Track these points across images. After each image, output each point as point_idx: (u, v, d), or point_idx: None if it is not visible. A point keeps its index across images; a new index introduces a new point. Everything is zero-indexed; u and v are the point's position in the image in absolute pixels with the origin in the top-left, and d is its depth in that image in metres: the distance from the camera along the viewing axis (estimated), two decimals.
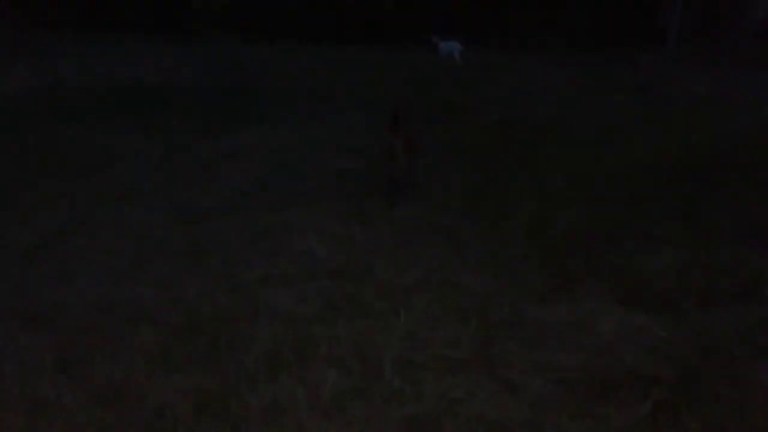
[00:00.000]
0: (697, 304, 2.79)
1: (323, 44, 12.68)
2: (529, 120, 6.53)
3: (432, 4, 13.90)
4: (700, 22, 13.92)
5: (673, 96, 7.82)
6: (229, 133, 5.83)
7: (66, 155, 5.09)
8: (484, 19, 13.68)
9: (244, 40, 13.01)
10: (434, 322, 2.66)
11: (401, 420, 2.06)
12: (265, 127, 6.11)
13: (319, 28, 13.86)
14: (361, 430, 2.02)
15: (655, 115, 6.69)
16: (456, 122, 6.38)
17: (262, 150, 5.29)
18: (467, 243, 3.47)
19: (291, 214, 3.80)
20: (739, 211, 3.82)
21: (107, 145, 5.41)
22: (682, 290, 2.91)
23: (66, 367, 2.30)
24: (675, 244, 3.42)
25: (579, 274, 3.08)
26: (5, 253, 3.31)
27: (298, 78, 9.17)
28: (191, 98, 7.32)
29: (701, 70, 9.82)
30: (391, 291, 2.91)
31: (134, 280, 2.97)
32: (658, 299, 2.83)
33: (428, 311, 2.75)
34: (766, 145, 4.86)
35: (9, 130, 5.99)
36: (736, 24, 16.22)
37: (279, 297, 2.83)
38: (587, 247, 3.38)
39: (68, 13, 14.93)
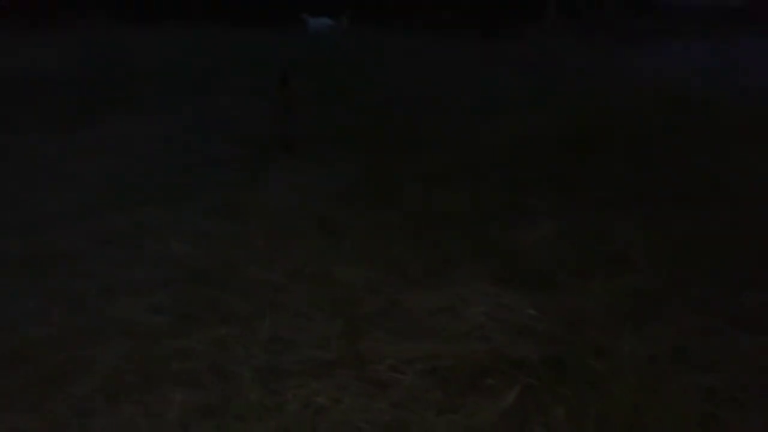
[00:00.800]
0: (570, 276, 2.77)
1: (208, 25, 12.01)
2: (413, 99, 6.42)
3: None
4: None
5: (552, 70, 8.01)
6: (88, 126, 5.29)
7: None
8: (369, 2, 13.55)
9: (120, 23, 12.07)
10: (303, 321, 2.47)
11: None
12: (131, 117, 5.62)
13: (203, 8, 13.20)
14: None
15: (536, 89, 6.80)
16: (338, 103, 6.16)
17: (124, 142, 4.84)
18: (343, 231, 3.29)
19: (147, 214, 3.44)
20: (612, 180, 3.89)
21: None
22: (556, 263, 2.88)
23: None
24: (550, 216, 3.41)
25: (455, 257, 2.98)
26: None
27: (174, 61, 8.56)
28: (48, 90, 6.58)
29: (579, 43, 10.16)
30: (257, 291, 2.68)
31: None
32: (532, 275, 2.78)
33: (297, 310, 2.54)
34: (632, 115, 5.02)
35: None
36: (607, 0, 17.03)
37: (127, 310, 2.52)
38: (465, 227, 3.30)
39: None
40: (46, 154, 4.54)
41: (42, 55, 9.02)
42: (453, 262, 2.94)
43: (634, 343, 2.19)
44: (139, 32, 11.13)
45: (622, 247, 3.07)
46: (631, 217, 3.37)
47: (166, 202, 3.68)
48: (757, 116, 5.08)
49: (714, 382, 1.97)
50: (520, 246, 3.12)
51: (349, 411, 1.96)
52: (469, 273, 2.84)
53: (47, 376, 2.10)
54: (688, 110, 5.15)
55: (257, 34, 10.98)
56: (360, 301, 2.59)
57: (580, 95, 6.18)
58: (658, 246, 3.02)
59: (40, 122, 5.33)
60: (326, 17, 11.32)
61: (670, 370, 2.05)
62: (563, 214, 3.45)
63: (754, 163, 3.97)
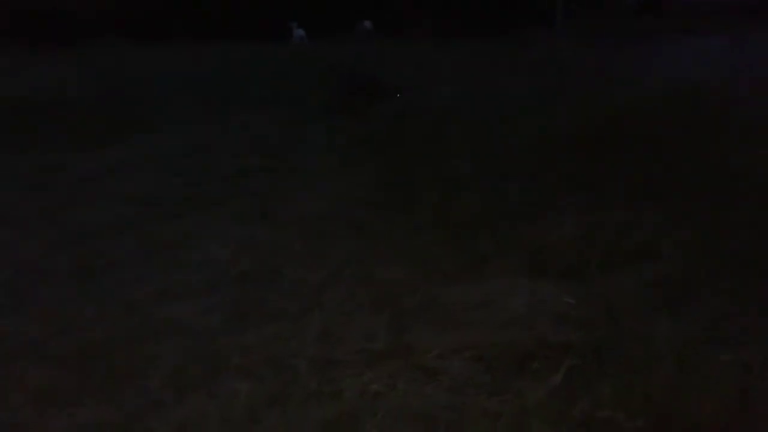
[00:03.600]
0: (600, 268, 2.87)
1: (212, 41, 12.25)
2: (429, 106, 6.57)
3: None
4: (578, 1, 14.66)
5: (562, 71, 8.14)
6: (112, 145, 5.45)
7: None
8: (378, 9, 13.87)
9: (133, 43, 12.33)
10: (348, 317, 2.59)
11: (320, 423, 1.97)
12: (151, 135, 5.79)
13: (205, 26, 13.53)
14: None
15: (546, 91, 6.92)
16: (357, 113, 6.31)
17: (150, 159, 5.01)
18: (376, 234, 3.41)
19: (187, 223, 3.59)
20: (630, 175, 4.00)
21: None
22: (585, 256, 2.98)
23: None
24: (574, 212, 3.52)
25: (487, 253, 3.09)
26: None
27: (187, 78, 8.76)
28: (68, 110, 6.77)
29: (586, 45, 10.30)
30: (301, 291, 2.81)
31: (14, 313, 2.68)
32: (564, 268, 2.89)
33: (341, 307, 2.67)
34: (648, 111, 5.13)
35: None
36: (614, 2, 17.21)
37: (180, 311, 2.65)
38: (493, 226, 3.41)
39: None
40: (80, 171, 4.70)
41: (57, 76, 9.25)
42: (485, 258, 3.05)
43: (669, 327, 2.29)
44: (147, 51, 11.38)
45: (647, 239, 3.17)
46: (653, 211, 3.47)
47: (201, 211, 3.83)
48: None
49: (748, 360, 2.07)
50: (549, 241, 3.22)
51: (404, 396, 2.08)
52: (502, 268, 2.95)
53: (117, 372, 2.23)
54: (702, 106, 5.25)
55: (254, 47, 11.24)
56: (401, 298, 2.71)
57: (592, 95, 6.30)
58: (682, 238, 3.12)
59: (68, 141, 5.51)
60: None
61: (706, 350, 2.15)
62: (587, 211, 3.55)
63: None
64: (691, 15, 15.98)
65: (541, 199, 3.77)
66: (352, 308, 2.64)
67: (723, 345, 2.22)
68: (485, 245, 3.18)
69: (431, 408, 2.01)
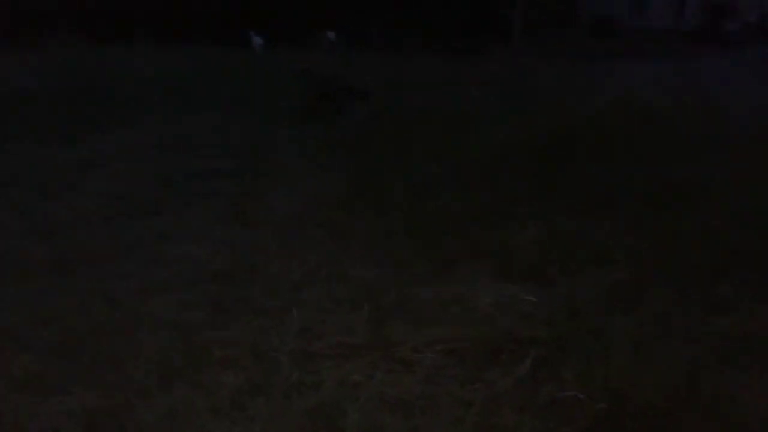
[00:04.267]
0: (560, 271, 3.08)
1: (177, 43, 12.19)
2: (394, 114, 6.74)
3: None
4: (537, 20, 15.19)
5: (520, 86, 8.46)
6: (85, 141, 5.43)
7: None
8: (345, 21, 14.11)
9: (93, 43, 12.12)
10: (327, 313, 2.71)
11: (303, 410, 2.09)
12: (124, 131, 5.79)
13: (164, 29, 13.47)
14: (264, 425, 2.02)
15: (506, 104, 7.20)
16: (326, 118, 6.43)
17: (124, 155, 5.02)
18: (349, 235, 3.54)
19: (164, 220, 3.65)
20: (585, 185, 4.26)
21: None
22: (546, 260, 3.20)
23: None
24: (535, 219, 3.74)
25: (456, 255, 3.27)
26: None
27: (153, 78, 8.71)
28: (39, 107, 6.67)
29: (542, 62, 10.71)
30: (280, 288, 2.91)
31: None
32: (527, 270, 3.09)
33: (319, 304, 2.78)
34: (602, 126, 5.43)
35: None
36: (570, 21, 17.87)
37: (161, 306, 2.72)
38: (461, 230, 3.59)
39: None
40: (51, 166, 4.67)
41: (20, 73, 9.05)
42: (454, 260, 3.23)
43: (623, 322, 2.51)
44: (111, 51, 11.22)
45: (603, 245, 3.41)
46: (608, 218, 3.72)
47: (176, 210, 3.88)
48: (715, 125, 5.58)
49: (696, 353, 2.30)
50: (512, 246, 3.42)
51: (381, 386, 2.22)
52: (470, 270, 3.13)
53: (102, 361, 2.29)
54: (652, 121, 5.61)
55: (214, 51, 11.27)
56: (376, 296, 2.85)
57: (549, 108, 6.60)
58: (635, 244, 3.37)
59: (37, 137, 5.44)
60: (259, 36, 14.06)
61: (656, 342, 2.37)
62: (547, 217, 3.78)
63: (713, 168, 4.39)
64: (641, 37, 16.84)
65: (503, 205, 3.98)
66: (329, 305, 2.76)
67: (671, 338, 2.45)
68: (453, 248, 3.36)
69: (407, 396, 2.16)
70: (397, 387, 2.21)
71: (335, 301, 2.79)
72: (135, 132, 5.76)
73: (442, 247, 3.37)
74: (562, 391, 2.02)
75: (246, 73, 9.23)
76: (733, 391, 2.10)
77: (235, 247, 3.36)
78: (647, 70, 10.44)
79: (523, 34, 10.36)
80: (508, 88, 8.30)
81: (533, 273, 3.07)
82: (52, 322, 2.54)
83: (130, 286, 2.88)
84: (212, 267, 3.10)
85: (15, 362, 2.29)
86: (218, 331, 2.53)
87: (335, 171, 4.63)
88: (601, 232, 3.56)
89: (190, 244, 3.35)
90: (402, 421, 2.03)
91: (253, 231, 3.60)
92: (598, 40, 16.70)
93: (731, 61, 13.16)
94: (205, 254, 3.24)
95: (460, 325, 2.58)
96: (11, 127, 5.72)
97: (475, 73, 9.55)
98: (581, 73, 9.71)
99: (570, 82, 8.80)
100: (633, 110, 5.87)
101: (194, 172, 4.74)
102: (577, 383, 2.05)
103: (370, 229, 3.61)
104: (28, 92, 7.26)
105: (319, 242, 3.45)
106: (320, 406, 2.12)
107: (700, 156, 4.64)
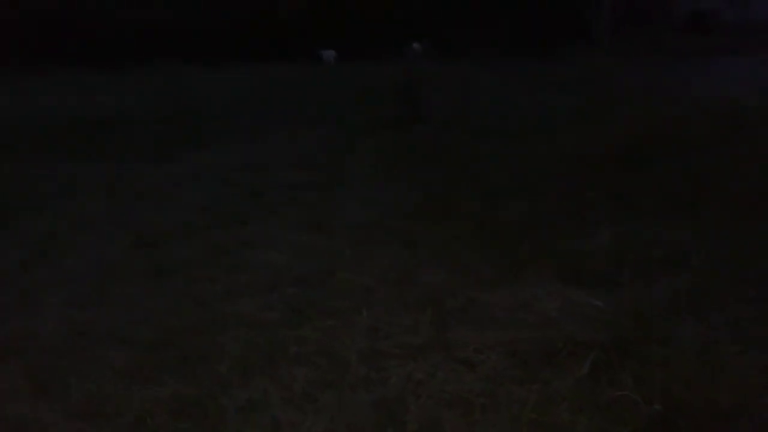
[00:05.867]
0: (630, 277, 3.05)
1: (262, 62, 12.89)
2: (471, 123, 6.82)
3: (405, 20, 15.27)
4: (625, 17, 14.71)
5: (603, 88, 8.27)
6: (177, 159, 5.90)
7: (11, 191, 5.08)
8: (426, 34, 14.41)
9: (181, 65, 13.05)
10: (394, 315, 2.83)
11: (369, 404, 2.22)
12: (211, 149, 6.22)
13: (254, 46, 14.30)
14: (333, 416, 2.17)
15: (586, 107, 7.08)
16: (401, 130, 6.61)
17: (211, 171, 5.40)
18: (420, 242, 3.67)
19: (249, 230, 3.92)
20: (662, 190, 4.15)
21: (53, 176, 5.42)
22: (617, 266, 3.16)
23: (41, 389, 2.37)
24: (607, 224, 3.70)
25: (523, 261, 3.30)
26: None
27: (238, 98, 9.28)
28: (135, 126, 7.35)
29: (628, 62, 10.38)
30: (352, 292, 3.07)
31: (99, 304, 3.04)
32: (596, 276, 3.08)
33: (388, 306, 2.92)
34: (685, 129, 5.25)
35: None
36: (659, 19, 17.13)
37: (244, 307, 2.95)
38: (530, 236, 3.62)
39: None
40: (146, 182, 5.12)
41: (119, 96, 9.92)
42: (521, 265, 3.27)
43: (693, 329, 2.47)
44: (203, 73, 12.03)
45: (679, 251, 3.33)
46: (685, 223, 3.62)
47: (259, 220, 4.16)
48: None
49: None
50: (582, 251, 3.41)
51: (444, 383, 2.31)
52: (536, 275, 3.16)
53: (191, 356, 2.54)
54: (744, 124, 5.34)
55: (289, 68, 11.78)
56: (442, 300, 2.95)
57: (630, 111, 6.43)
58: (712, 250, 3.27)
59: (135, 155, 5.97)
60: (330, 50, 15.21)
61: (726, 350, 2.32)
62: (620, 222, 3.73)
63: None
64: (742, 32, 15.84)
65: (576, 211, 3.96)
66: (397, 307, 2.89)
67: (744, 346, 2.38)
68: (522, 254, 3.40)
69: (467, 394, 2.24)
70: (457, 385, 2.30)
71: (403, 304, 2.92)
72: (222, 150, 6.18)
73: (510, 253, 3.41)
74: (619, 392, 2.03)
75: (323, 87, 9.61)
76: None
77: (312, 254, 3.56)
78: (744, 68, 9.87)
79: (611, 33, 10.08)
80: (589, 91, 8.14)
81: (603, 278, 3.05)
82: (148, 321, 2.84)
83: (216, 289, 3.15)
84: (290, 272, 3.32)
85: (116, 355, 2.58)
86: (294, 330, 2.72)
87: (409, 181, 4.77)
88: (678, 238, 3.47)
89: (271, 251, 3.59)
90: (461, 416, 2.12)
91: (329, 238, 3.80)
92: (693, 36, 15.90)
93: None
94: (284, 260, 3.47)
95: (523, 328, 2.63)
96: (115, 147, 6.31)
97: (557, 77, 9.42)
98: (669, 73, 9.34)
99: (655, 83, 8.50)
100: (719, 112, 5.62)
101: (278, 184, 5.03)
102: (636, 386, 2.05)
103: (440, 236, 3.72)
104: (125, 114, 7.96)
105: (390, 248, 3.59)
106: (384, 400, 2.25)
107: None
